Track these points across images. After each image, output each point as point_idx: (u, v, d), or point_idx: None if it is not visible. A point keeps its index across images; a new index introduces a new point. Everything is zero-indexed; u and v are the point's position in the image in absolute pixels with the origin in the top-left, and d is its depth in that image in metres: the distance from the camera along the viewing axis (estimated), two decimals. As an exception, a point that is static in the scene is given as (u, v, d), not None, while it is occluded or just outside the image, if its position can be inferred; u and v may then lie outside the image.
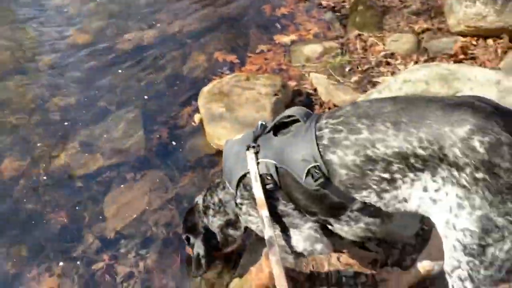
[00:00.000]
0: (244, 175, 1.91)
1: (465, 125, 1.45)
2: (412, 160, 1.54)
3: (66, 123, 3.62)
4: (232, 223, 2.16)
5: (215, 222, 2.19)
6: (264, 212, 1.78)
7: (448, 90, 2.71)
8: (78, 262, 2.69)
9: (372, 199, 1.68)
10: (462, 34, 3.80)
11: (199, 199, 2.29)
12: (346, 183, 1.67)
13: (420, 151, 1.51)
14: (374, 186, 1.64)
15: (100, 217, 2.94)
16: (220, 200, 2.12)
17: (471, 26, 3.67)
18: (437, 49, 3.81)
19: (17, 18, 4.87)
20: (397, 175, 1.59)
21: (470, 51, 3.67)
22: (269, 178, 1.83)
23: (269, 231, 1.74)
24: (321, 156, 1.67)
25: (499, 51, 3.59)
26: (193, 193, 2.99)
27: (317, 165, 1.67)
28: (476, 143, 1.43)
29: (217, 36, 4.47)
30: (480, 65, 3.45)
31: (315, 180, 1.69)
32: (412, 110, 1.57)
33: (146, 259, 2.69)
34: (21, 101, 3.82)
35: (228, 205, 2.10)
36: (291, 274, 2.27)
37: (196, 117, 3.55)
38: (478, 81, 2.73)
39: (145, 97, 3.83)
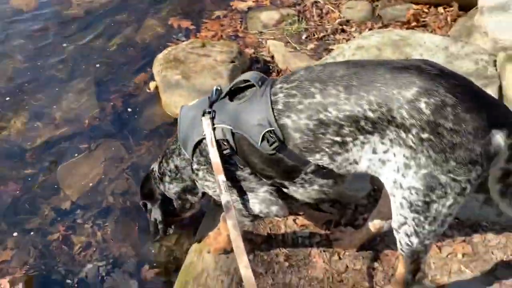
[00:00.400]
0: (200, 141, 1.91)
1: (412, 88, 1.51)
2: (362, 123, 1.58)
3: (13, 93, 3.47)
4: (189, 189, 2.17)
5: (172, 189, 2.20)
6: (221, 177, 1.79)
7: (399, 55, 2.78)
8: (33, 234, 2.63)
9: (325, 161, 1.72)
10: (415, 1, 3.89)
11: (155, 166, 2.28)
12: (300, 147, 1.71)
13: (370, 114, 1.56)
14: (327, 149, 1.69)
15: (55, 188, 2.88)
16: (176, 167, 2.12)
17: (423, -6, 3.75)
18: (391, 16, 3.88)
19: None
20: (348, 138, 1.64)
21: (422, 19, 3.77)
22: (225, 143, 1.83)
23: (226, 195, 1.76)
24: (276, 121, 1.70)
25: (449, 18, 3.70)
26: (149, 162, 2.95)
27: (272, 130, 1.70)
28: (422, 105, 1.48)
29: (171, 1, 4.35)
30: (431, 32, 3.56)
31: (271, 145, 1.71)
32: (362, 74, 1.61)
33: (103, 228, 2.67)
34: (-37, 70, 3.63)
35: (184, 172, 2.10)
36: (248, 237, 2.32)
37: (151, 85, 3.48)
38: (428, 47, 2.82)
39: (97, 65, 3.71)
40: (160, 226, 2.27)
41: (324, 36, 3.87)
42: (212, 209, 2.54)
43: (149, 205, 2.27)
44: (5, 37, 3.97)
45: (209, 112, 1.86)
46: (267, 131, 1.71)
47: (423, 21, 3.75)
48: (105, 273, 2.47)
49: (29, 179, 2.91)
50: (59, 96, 3.46)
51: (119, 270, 2.49)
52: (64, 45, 3.90)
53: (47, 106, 3.38)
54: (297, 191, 1.89)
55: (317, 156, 1.71)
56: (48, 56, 3.79)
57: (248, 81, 1.87)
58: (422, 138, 1.50)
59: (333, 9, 4.11)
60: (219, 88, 1.97)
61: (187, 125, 1.98)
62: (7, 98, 3.44)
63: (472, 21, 3.21)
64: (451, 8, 3.77)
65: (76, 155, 3.05)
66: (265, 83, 1.81)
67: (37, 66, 3.71)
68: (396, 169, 1.60)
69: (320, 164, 1.74)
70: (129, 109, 3.35)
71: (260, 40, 3.90)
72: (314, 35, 3.88)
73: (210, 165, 1.87)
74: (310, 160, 1.73)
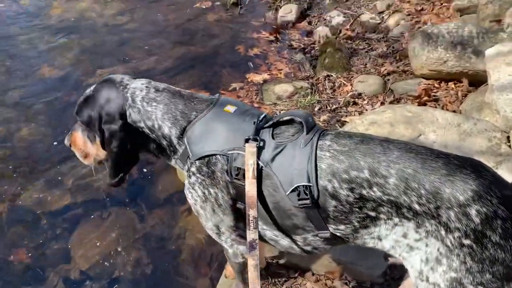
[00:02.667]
0: (214, 155, 1.72)
1: (466, 191, 1.42)
2: (404, 210, 1.51)
3: (31, 160, 3.55)
4: (158, 151, 1.87)
5: (136, 122, 1.82)
6: (253, 212, 1.62)
7: (412, 132, 2.81)
8: (39, 305, 2.58)
9: (345, 232, 1.64)
10: (425, 77, 3.97)
11: (132, 83, 1.93)
12: (330, 214, 1.61)
13: (416, 206, 1.49)
14: (356, 223, 1.60)
15: (66, 257, 2.85)
16: (165, 137, 1.81)
17: (433, 70, 3.85)
18: (402, 90, 3.96)
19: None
20: (383, 216, 1.56)
21: (433, 93, 3.83)
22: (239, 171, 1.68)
23: (253, 233, 1.59)
24: (317, 179, 1.59)
25: (460, 94, 3.76)
26: (162, 231, 2.96)
27: (310, 186, 1.59)
28: (473, 212, 1.40)
29: (190, 73, 4.54)
30: (443, 107, 3.61)
31: (300, 199, 1.60)
32: (418, 161, 1.51)
33: (112, 300, 2.61)
34: (-14, 136, 3.75)
35: (170, 149, 1.84)
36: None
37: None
38: (440, 123, 2.85)
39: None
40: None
41: (337, 108, 3.95)
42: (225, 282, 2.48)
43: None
44: (29, 104, 4.12)
45: (255, 140, 1.68)
46: (303, 185, 1.60)
47: (434, 96, 3.82)
48: None
49: (41, 247, 2.90)
50: (74, 163, 3.52)
51: None
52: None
53: (63, 174, 3.43)
54: (278, 240, 1.77)
55: (341, 226, 1.62)
56: (68, 125, 3.91)
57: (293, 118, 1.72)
58: (463, 243, 1.42)
59: (345, 82, 4.23)
60: (266, 115, 1.79)
61: (212, 125, 1.74)
62: (27, 163, 3.52)
63: (483, 96, 3.26)
64: (462, 84, 3.83)
65: (88, 224, 3.05)
66: (313, 130, 1.68)
67: (55, 133, 3.81)
68: (424, 260, 1.52)
69: (338, 234, 1.65)
70: (143, 178, 3.39)
71: (274, 111, 4.00)
72: (326, 107, 3.96)
73: (209, 179, 1.74)
74: (330, 228, 1.64)
